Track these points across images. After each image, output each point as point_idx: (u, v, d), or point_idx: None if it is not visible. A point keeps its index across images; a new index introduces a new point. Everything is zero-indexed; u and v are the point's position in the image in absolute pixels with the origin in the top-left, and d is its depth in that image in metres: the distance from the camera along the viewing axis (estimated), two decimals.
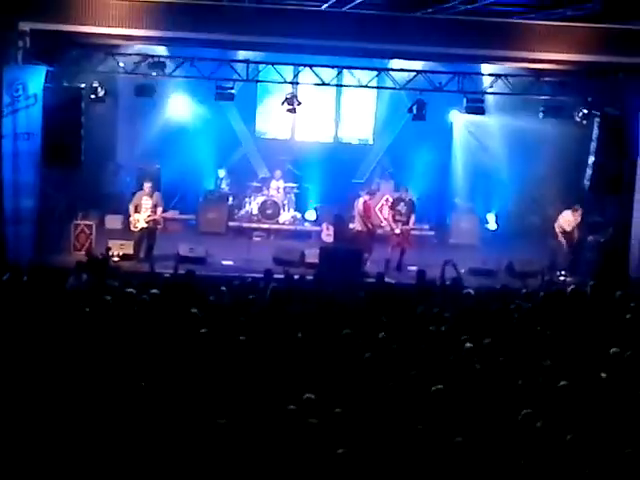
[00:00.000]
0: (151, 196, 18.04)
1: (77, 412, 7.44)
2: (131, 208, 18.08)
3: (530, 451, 7.17)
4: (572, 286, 14.43)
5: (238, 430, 7.28)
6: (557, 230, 18.53)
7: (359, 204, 18.84)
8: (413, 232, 19.45)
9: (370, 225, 18.76)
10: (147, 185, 18.16)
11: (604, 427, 7.69)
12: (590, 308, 12.79)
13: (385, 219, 19.62)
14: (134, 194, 18.45)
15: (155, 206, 18.00)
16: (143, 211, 17.94)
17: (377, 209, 19.40)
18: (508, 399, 8.37)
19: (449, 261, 14.47)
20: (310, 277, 15.16)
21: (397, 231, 18.45)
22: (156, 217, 17.98)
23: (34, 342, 9.25)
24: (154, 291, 11.98)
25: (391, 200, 18.99)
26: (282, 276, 14.45)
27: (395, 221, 18.61)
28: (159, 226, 18.36)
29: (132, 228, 18.07)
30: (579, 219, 18.49)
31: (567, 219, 18.52)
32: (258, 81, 19.75)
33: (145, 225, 17.90)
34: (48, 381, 8.12)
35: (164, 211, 18.32)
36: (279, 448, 7.03)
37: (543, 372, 9.29)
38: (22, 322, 10.07)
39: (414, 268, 16.76)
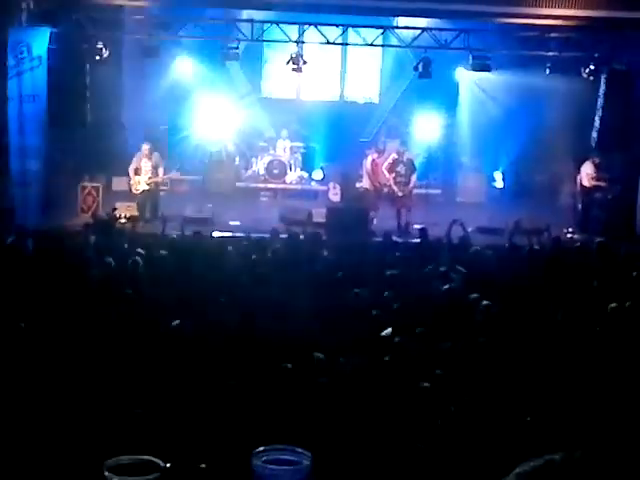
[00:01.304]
0: (150, 157, 17.98)
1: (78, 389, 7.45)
2: (131, 171, 18.00)
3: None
4: (578, 243, 14.43)
5: (245, 391, 7.32)
6: (578, 186, 18.47)
7: (367, 163, 18.88)
8: (418, 191, 19.44)
9: (377, 184, 18.76)
10: (145, 147, 18.03)
11: (604, 381, 7.72)
12: (596, 265, 12.81)
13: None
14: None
15: (155, 168, 17.94)
16: (143, 173, 17.89)
17: (384, 168, 19.34)
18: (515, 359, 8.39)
19: (456, 221, 14.47)
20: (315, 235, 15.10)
21: (399, 194, 18.32)
22: (157, 179, 17.95)
23: (37, 309, 9.25)
24: (163, 252, 12.03)
25: (390, 161, 18.89)
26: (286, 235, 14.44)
27: (396, 183, 18.46)
28: (164, 187, 18.35)
29: (133, 191, 18.02)
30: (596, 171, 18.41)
31: (587, 172, 18.40)
32: (263, 41, 19.69)
33: (146, 187, 17.86)
34: (50, 350, 8.14)
35: (165, 172, 18.27)
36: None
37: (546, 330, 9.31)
38: (25, 288, 10.08)
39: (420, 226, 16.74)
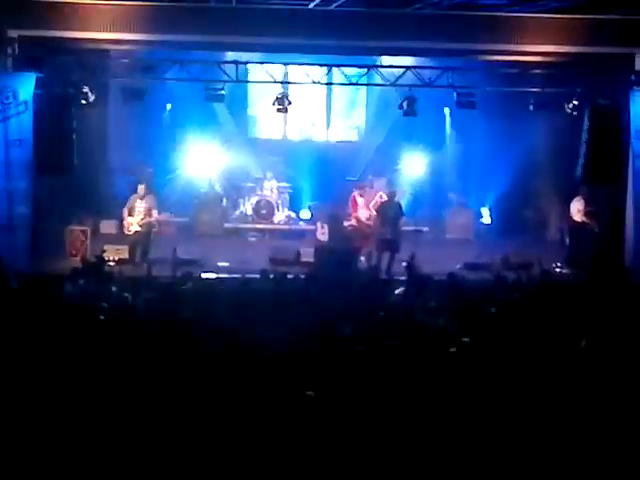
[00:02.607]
0: (144, 199, 18.03)
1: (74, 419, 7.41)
2: (125, 211, 18.04)
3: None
4: (568, 277, 14.45)
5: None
6: (569, 219, 18.57)
7: (350, 200, 19.05)
8: (406, 228, 19.45)
9: (357, 221, 18.89)
10: (140, 188, 18.09)
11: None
12: (586, 299, 12.79)
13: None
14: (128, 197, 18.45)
15: (149, 209, 17.99)
16: (136, 214, 17.91)
17: (371, 206, 19.36)
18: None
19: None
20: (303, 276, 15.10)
21: (388, 236, 17.84)
22: (150, 220, 17.98)
23: (26, 353, 9.18)
24: (148, 296, 11.99)
25: (378, 203, 18.88)
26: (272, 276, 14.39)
27: (383, 225, 18.11)
28: (154, 229, 18.38)
29: (126, 232, 18.04)
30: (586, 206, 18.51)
31: (578, 208, 18.49)
32: (248, 82, 19.80)
33: (139, 228, 17.88)
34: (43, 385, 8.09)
35: (158, 214, 18.32)
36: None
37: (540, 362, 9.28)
38: (12, 333, 10.01)
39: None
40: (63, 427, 7.21)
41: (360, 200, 19.07)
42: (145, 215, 17.90)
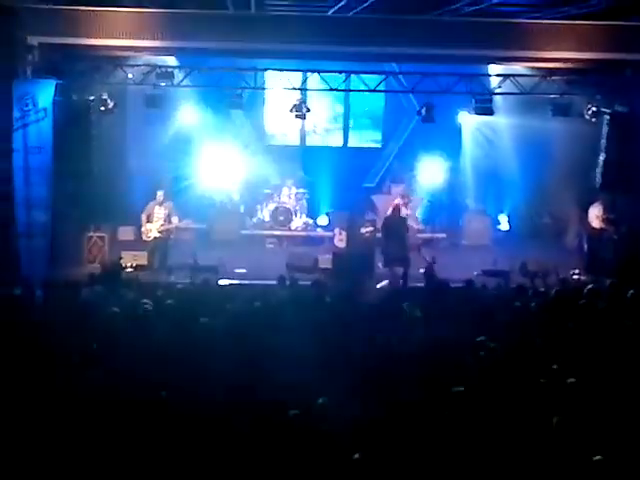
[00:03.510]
0: (163, 205, 18.06)
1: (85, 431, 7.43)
2: (143, 217, 18.06)
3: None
4: (589, 285, 14.30)
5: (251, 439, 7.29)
6: (587, 226, 18.48)
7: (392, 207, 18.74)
8: (423, 235, 19.45)
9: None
10: (159, 194, 18.13)
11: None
12: (607, 307, 12.71)
13: None
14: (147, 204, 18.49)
15: (169, 215, 18.01)
16: (155, 220, 17.94)
17: (389, 213, 19.31)
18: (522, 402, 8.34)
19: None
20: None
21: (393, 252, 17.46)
22: (170, 226, 18.00)
23: (45, 357, 9.23)
24: (169, 302, 12.01)
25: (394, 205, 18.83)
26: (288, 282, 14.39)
27: (387, 240, 17.78)
28: (172, 235, 18.41)
29: (145, 238, 18.09)
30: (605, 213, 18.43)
31: (597, 214, 18.41)
32: (266, 88, 19.83)
33: (158, 235, 17.91)
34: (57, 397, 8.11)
35: (179, 220, 18.33)
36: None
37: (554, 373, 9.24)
38: (34, 337, 10.06)
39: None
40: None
41: (405, 210, 18.83)
42: (165, 221, 17.92)
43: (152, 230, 17.92)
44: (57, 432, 7.33)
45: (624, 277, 15.80)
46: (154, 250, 17.91)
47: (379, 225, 18.90)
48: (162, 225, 17.91)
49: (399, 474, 6.83)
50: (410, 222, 18.63)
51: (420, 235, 18.99)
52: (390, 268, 17.23)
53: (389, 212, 18.17)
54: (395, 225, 17.79)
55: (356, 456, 6.83)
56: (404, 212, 18.81)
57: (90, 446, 7.12)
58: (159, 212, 17.99)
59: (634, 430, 7.44)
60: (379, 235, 18.51)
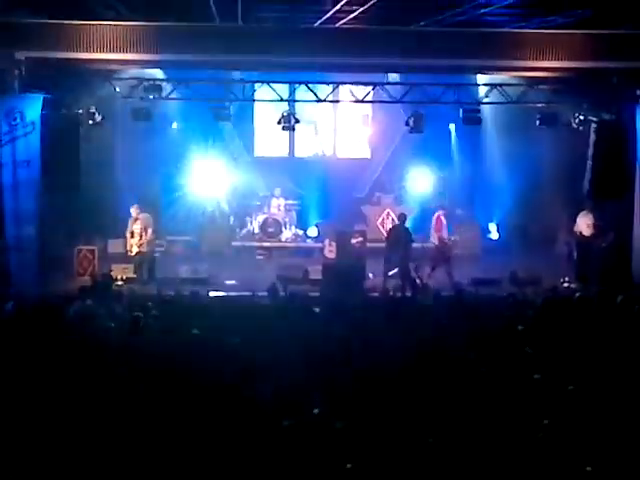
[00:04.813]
0: (137, 221, 18.17)
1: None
2: (127, 234, 18.27)
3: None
4: (578, 293, 14.33)
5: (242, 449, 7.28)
6: (576, 234, 18.52)
7: (434, 219, 18.83)
8: (414, 245, 19.41)
9: (439, 240, 18.63)
10: (133, 210, 18.32)
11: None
12: (597, 315, 12.74)
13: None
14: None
15: (145, 229, 18.05)
16: (136, 236, 18.06)
17: (378, 223, 19.42)
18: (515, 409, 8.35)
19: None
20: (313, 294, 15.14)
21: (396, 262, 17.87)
22: (144, 240, 18.03)
23: (36, 374, 9.19)
24: (154, 312, 11.99)
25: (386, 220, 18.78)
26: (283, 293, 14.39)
27: (391, 251, 18.08)
28: (160, 249, 18.46)
29: (129, 253, 18.28)
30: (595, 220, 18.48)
31: (588, 222, 18.47)
32: (254, 100, 19.86)
33: (138, 250, 18.00)
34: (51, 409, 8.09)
35: (155, 234, 18.36)
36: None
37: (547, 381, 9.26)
38: (25, 352, 10.03)
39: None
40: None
41: (444, 220, 18.86)
42: (140, 236, 17.97)
43: (133, 245, 18.04)
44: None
45: (613, 284, 15.86)
46: (140, 264, 17.99)
47: (369, 236, 18.94)
48: (140, 240, 17.95)
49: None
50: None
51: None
52: (386, 278, 17.28)
53: (395, 222, 18.23)
54: (401, 235, 17.95)
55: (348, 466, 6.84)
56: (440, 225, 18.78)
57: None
58: (136, 227, 18.11)
59: (625, 436, 7.45)
60: (370, 245, 18.56)
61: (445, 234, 18.54)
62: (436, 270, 17.99)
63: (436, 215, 18.80)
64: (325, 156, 23.68)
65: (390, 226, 18.84)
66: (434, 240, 18.68)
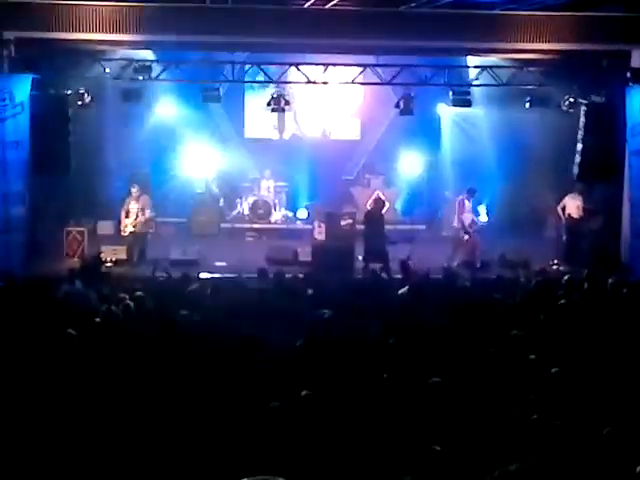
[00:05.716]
0: (138, 200, 18.07)
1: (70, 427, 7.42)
2: (122, 213, 18.13)
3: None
4: (567, 275, 14.37)
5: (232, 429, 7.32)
6: (564, 216, 18.55)
7: (457, 202, 18.80)
8: (402, 227, 19.47)
9: (461, 224, 18.58)
10: (134, 190, 18.17)
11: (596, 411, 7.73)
12: (585, 297, 12.80)
13: None
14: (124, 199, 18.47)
15: (142, 209, 18.01)
16: (131, 216, 17.99)
17: (368, 205, 19.38)
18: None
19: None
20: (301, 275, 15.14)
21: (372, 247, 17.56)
22: (141, 219, 17.97)
23: (24, 353, 9.21)
24: (139, 294, 11.99)
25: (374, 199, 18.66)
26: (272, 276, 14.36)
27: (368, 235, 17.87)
28: (150, 230, 18.41)
29: (122, 233, 18.15)
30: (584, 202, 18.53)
31: (577, 204, 18.53)
32: (244, 82, 19.82)
33: (133, 229, 17.94)
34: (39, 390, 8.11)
35: (151, 213, 18.31)
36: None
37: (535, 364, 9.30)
38: (13, 331, 10.05)
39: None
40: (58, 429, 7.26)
41: (468, 204, 18.84)
42: (137, 216, 17.93)
43: (128, 225, 17.95)
44: None
45: (601, 267, 15.93)
46: (132, 245, 17.93)
47: (358, 217, 18.94)
48: (136, 219, 17.91)
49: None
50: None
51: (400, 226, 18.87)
52: (367, 264, 17.25)
53: (370, 205, 18.18)
54: (375, 219, 17.86)
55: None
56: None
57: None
58: (134, 207, 18.03)
59: (612, 417, 7.50)
60: (359, 227, 18.55)
61: (467, 218, 18.49)
62: (457, 253, 18.08)
63: (459, 198, 18.79)
64: (314, 138, 23.58)
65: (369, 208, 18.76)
66: (456, 224, 18.71)
